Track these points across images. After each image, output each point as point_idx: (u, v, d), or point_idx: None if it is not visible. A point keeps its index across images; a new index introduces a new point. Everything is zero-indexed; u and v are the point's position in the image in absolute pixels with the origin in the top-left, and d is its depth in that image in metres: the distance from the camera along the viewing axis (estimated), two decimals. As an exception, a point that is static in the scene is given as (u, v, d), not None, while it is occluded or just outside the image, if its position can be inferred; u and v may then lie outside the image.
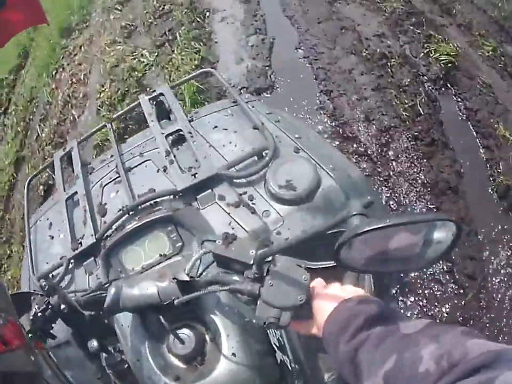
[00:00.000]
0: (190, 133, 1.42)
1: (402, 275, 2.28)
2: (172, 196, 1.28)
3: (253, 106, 1.50)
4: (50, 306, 0.89)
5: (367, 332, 0.62)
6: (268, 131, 1.34)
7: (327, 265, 0.79)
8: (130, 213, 1.29)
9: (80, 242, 1.34)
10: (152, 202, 1.28)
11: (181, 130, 1.46)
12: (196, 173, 1.28)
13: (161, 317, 0.88)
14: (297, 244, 0.70)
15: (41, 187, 3.64)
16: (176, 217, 1.20)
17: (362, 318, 0.64)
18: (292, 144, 1.33)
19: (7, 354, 1.15)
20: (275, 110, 1.58)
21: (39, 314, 0.89)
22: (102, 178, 1.53)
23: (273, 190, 1.18)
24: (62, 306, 0.88)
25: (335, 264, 0.69)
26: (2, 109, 5.19)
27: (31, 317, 0.90)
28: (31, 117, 4.65)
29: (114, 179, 1.49)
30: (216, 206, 1.21)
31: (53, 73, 4.76)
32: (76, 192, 1.51)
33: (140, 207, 1.29)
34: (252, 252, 0.80)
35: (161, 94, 1.67)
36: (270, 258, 0.78)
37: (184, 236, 1.20)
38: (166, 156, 1.39)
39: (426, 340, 0.55)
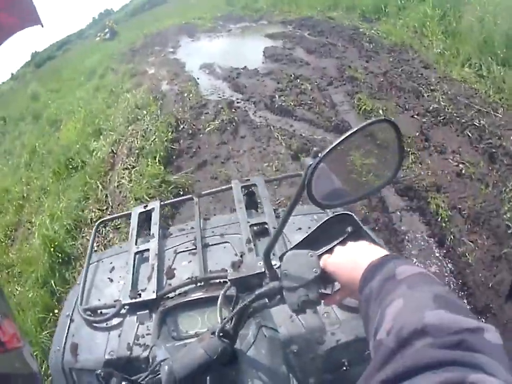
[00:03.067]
0: (275, 228, 1.47)
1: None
2: None
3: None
4: None
5: (371, 284, 0.65)
6: None
7: (327, 249, 0.86)
8: (198, 284, 1.38)
9: (140, 294, 1.42)
10: (222, 280, 1.36)
11: (266, 223, 1.54)
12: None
13: (208, 378, 0.92)
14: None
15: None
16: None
17: (366, 271, 0.68)
18: None
19: (4, 355, 1.19)
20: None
21: None
22: (178, 245, 1.60)
23: None
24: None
25: (333, 246, 0.84)
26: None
27: None
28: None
29: (189, 250, 1.56)
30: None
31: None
32: (148, 250, 1.58)
33: (209, 281, 1.38)
34: (260, 263, 0.90)
35: (254, 185, 1.76)
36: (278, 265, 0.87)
37: None
38: (246, 243, 1.47)
39: (400, 291, 0.58)
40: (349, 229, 0.87)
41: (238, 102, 6.25)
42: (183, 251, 1.56)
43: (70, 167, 5.78)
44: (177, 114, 6.19)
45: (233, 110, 5.92)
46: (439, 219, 3.31)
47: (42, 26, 3.10)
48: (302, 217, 1.57)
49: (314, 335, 1.16)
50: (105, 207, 4.49)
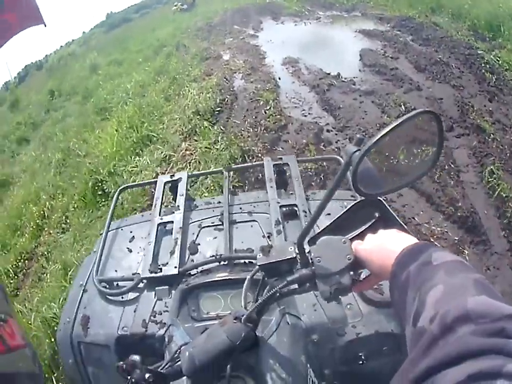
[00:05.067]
0: (305, 211, 1.44)
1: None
2: None
3: None
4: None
5: (407, 270, 0.66)
6: None
7: (356, 234, 0.88)
8: (222, 262, 1.32)
9: (161, 269, 1.35)
10: (247, 261, 1.31)
11: (296, 206, 1.48)
12: None
13: (228, 366, 0.89)
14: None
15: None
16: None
17: (399, 257, 0.70)
18: None
19: (7, 355, 1.30)
20: None
21: None
22: (203, 219, 1.54)
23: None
24: (147, 375, 0.85)
25: (363, 230, 0.89)
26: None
27: None
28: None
29: (215, 225, 1.50)
30: None
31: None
32: (172, 222, 1.52)
33: (233, 261, 1.33)
34: (291, 248, 0.89)
35: (287, 164, 1.70)
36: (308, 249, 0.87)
37: None
38: (275, 225, 1.41)
39: (440, 276, 0.59)
40: (377, 214, 0.90)
41: (328, 131, 4.86)
42: (208, 226, 1.51)
43: (100, 193, 4.50)
44: (245, 140, 4.72)
45: (322, 147, 4.43)
46: None
47: (45, 25, 3.19)
48: (333, 203, 1.43)
49: (335, 326, 1.14)
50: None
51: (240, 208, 1.56)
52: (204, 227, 1.51)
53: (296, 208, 1.48)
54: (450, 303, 0.53)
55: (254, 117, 5.32)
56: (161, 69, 9.35)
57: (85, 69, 13.74)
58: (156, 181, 1.75)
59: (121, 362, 0.88)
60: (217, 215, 1.54)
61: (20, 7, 2.90)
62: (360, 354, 1.13)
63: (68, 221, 4.53)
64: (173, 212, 1.56)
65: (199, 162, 4.39)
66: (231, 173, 1.71)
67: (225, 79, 7.05)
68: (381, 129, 0.66)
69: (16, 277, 4.02)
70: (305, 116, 5.32)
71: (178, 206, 1.59)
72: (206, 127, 5.09)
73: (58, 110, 11.03)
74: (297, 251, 0.87)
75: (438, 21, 9.08)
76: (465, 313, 0.49)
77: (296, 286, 0.88)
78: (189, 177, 1.73)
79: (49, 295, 3.18)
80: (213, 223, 1.51)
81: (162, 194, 1.66)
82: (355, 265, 0.81)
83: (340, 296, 0.84)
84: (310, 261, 0.85)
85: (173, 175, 1.75)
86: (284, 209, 1.49)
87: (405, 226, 0.82)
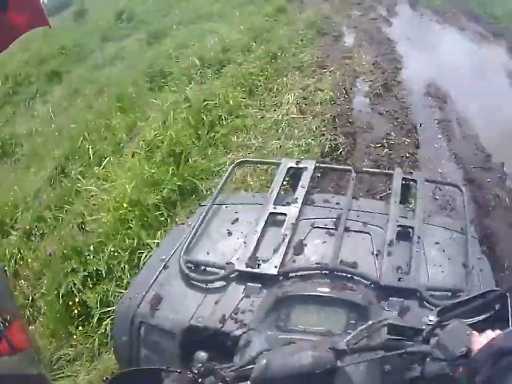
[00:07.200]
0: (419, 237, 1.39)
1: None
2: (368, 282, 1.25)
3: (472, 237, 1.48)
4: None
5: (499, 364, 0.74)
6: (474, 277, 1.30)
7: (473, 321, 0.91)
8: (323, 271, 1.26)
9: (259, 265, 1.28)
10: (348, 275, 1.26)
11: (412, 228, 1.43)
12: (402, 278, 1.26)
13: None
14: None
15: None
16: (367, 311, 1.18)
17: (494, 352, 0.77)
18: None
19: (13, 357, 1.32)
20: None
21: None
22: (317, 218, 1.47)
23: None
24: None
25: (479, 320, 0.93)
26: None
27: None
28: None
29: (328, 228, 1.43)
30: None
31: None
32: (285, 214, 1.45)
33: (335, 273, 1.26)
34: (425, 318, 0.92)
35: (415, 181, 1.64)
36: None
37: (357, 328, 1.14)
38: (388, 244, 1.36)
39: None
40: (497, 306, 0.94)
41: None
42: (321, 227, 1.43)
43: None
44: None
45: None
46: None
47: (50, 27, 3.11)
48: (443, 231, 1.48)
49: (408, 359, 1.07)
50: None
51: (358, 216, 1.48)
52: (315, 227, 1.43)
53: (410, 230, 1.41)
54: None
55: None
56: (262, 30, 7.22)
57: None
58: (279, 163, 1.69)
59: (199, 365, 0.89)
60: (333, 218, 1.45)
61: (25, 8, 2.83)
62: None
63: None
64: (289, 203, 1.49)
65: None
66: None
67: (343, 89, 5.01)
68: None
69: None
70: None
71: (296, 198, 1.50)
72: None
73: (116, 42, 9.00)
74: (429, 321, 0.90)
75: None
76: None
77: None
78: (315, 169, 1.66)
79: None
80: (326, 225, 1.43)
81: (283, 180, 1.59)
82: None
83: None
84: (433, 337, 0.87)
85: (299, 161, 1.68)
86: (399, 228, 1.42)
87: None
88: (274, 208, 1.46)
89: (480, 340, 0.83)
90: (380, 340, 0.93)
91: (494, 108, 4.77)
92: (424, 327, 0.89)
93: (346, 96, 4.91)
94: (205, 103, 4.48)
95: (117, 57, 8.06)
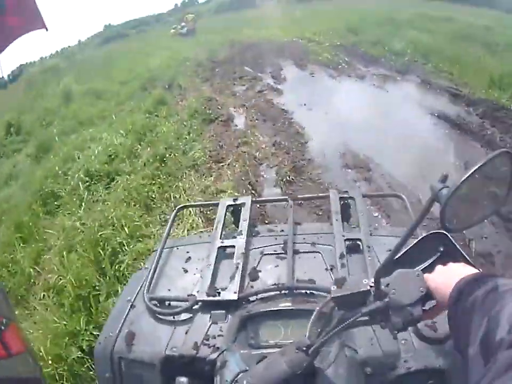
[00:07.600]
0: (369, 246, 1.44)
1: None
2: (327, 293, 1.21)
3: None
4: None
5: (473, 295, 0.68)
6: None
7: (423, 267, 0.92)
8: (283, 291, 1.30)
9: (219, 293, 1.32)
10: (308, 292, 1.30)
11: (360, 240, 1.48)
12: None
13: None
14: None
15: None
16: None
17: (463, 285, 0.72)
18: None
19: (9, 360, 1.33)
20: None
21: None
22: (265, 247, 1.52)
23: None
24: None
25: (432, 261, 0.93)
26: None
27: None
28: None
29: (278, 253, 1.48)
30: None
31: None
32: (233, 246, 1.49)
33: (295, 291, 1.31)
34: (365, 281, 0.89)
35: (352, 198, 1.68)
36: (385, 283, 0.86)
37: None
38: (339, 258, 1.40)
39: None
40: (442, 247, 0.94)
41: None
42: (271, 254, 1.48)
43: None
44: None
45: None
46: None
47: (47, 30, 3.14)
48: (393, 239, 1.48)
49: (388, 360, 1.14)
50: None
51: (304, 239, 1.52)
52: (265, 254, 1.47)
53: (359, 243, 1.45)
54: None
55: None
56: (145, 129, 6.31)
57: (58, 95, 11.08)
58: (217, 203, 1.73)
59: None
60: (280, 244, 1.50)
61: (22, 11, 2.91)
62: None
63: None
64: (235, 236, 1.53)
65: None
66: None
67: (247, 184, 4.11)
68: (467, 169, 0.69)
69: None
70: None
71: (241, 230, 1.55)
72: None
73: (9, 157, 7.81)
74: (371, 284, 0.88)
75: None
76: None
77: (367, 317, 0.88)
78: (252, 203, 1.70)
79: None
80: (276, 251, 1.48)
81: (224, 218, 1.63)
82: (425, 296, 0.83)
83: (410, 326, 0.86)
84: (384, 293, 0.86)
85: (236, 199, 1.73)
86: (347, 242, 1.46)
87: (469, 259, 0.86)
88: (222, 242, 1.50)
89: (434, 276, 0.83)
90: (336, 319, 0.90)
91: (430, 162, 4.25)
92: (369, 288, 0.87)
93: (253, 192, 4.00)
94: (101, 233, 3.67)
95: (11, 177, 6.96)
